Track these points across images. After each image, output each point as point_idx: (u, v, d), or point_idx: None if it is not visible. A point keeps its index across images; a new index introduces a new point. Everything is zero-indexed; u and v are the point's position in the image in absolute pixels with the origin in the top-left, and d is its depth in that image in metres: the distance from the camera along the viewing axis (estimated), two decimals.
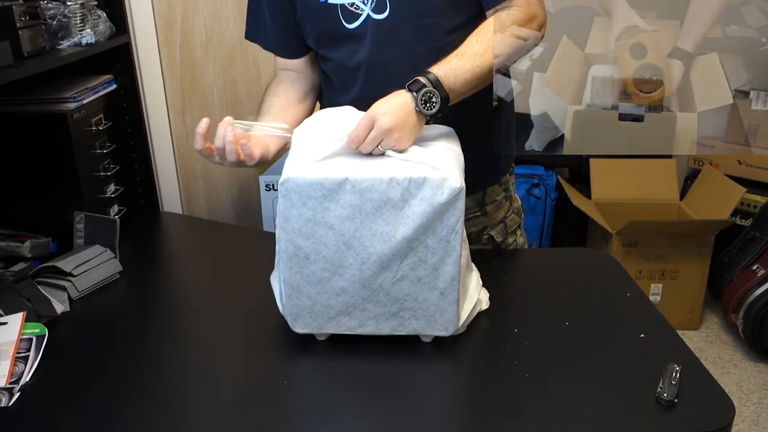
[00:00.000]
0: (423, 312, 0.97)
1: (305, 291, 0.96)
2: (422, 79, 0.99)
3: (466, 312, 1.01)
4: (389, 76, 1.12)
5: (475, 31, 1.07)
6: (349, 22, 1.13)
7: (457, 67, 1.02)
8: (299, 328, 0.99)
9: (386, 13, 1.10)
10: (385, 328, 0.98)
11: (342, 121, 1.02)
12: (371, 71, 1.15)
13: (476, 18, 1.13)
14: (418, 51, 1.13)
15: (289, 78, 1.28)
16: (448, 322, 0.97)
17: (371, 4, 1.10)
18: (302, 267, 0.95)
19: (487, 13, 1.12)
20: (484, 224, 1.32)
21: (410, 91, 0.98)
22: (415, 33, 1.12)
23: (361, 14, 1.11)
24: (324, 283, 0.95)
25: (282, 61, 1.28)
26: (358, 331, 0.99)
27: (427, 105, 0.98)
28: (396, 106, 0.96)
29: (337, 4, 1.12)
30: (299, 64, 1.27)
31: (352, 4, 1.11)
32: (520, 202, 1.41)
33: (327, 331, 1.00)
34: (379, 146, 0.95)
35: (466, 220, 0.98)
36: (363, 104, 1.07)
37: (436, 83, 0.99)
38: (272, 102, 1.24)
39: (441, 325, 0.98)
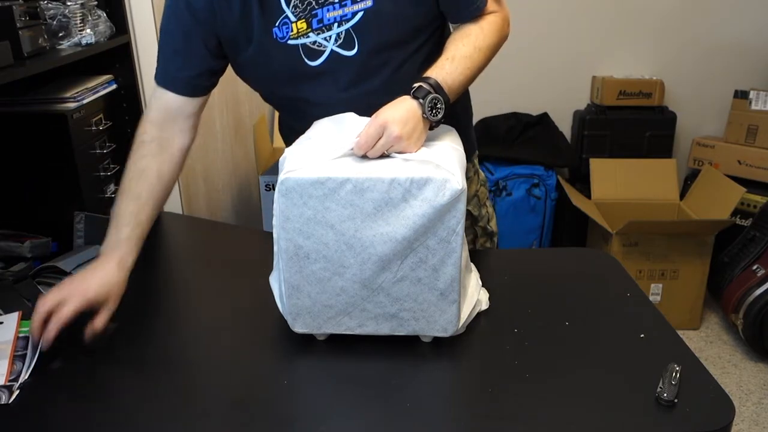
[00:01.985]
0: (423, 313, 0.97)
1: (305, 291, 0.96)
2: (425, 86, 0.99)
3: (465, 313, 1.01)
4: (359, 107, 1.08)
5: (457, 36, 1.08)
6: (312, 60, 1.09)
7: (452, 71, 1.02)
8: (299, 327, 0.99)
9: (354, 50, 1.08)
10: (385, 329, 0.98)
11: (343, 127, 1.02)
12: (338, 105, 1.10)
13: (432, 36, 1.14)
14: (389, 79, 1.11)
15: (161, 134, 1.15)
16: (448, 323, 0.97)
17: (335, 41, 1.08)
18: (302, 266, 0.95)
19: (453, 27, 1.13)
20: None
21: (416, 98, 0.98)
22: (386, 64, 1.10)
23: (324, 51, 1.08)
24: (324, 283, 0.95)
25: (169, 101, 1.14)
26: (358, 331, 0.99)
27: (434, 111, 0.99)
28: (405, 113, 0.96)
29: (297, 45, 1.08)
30: (197, 103, 1.18)
31: (314, 43, 1.08)
32: (484, 176, 1.42)
33: (327, 331, 1.00)
34: (386, 152, 0.95)
35: None
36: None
37: (438, 88, 0.99)
38: (126, 205, 1.09)
39: (441, 326, 0.98)
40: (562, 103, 2.84)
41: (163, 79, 1.14)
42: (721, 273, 2.47)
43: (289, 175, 0.91)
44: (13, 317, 1.06)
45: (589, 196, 2.70)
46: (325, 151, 0.95)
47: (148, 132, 1.14)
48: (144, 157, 1.12)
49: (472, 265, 1.11)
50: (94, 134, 1.46)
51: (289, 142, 1.25)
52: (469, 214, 1.33)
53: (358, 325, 0.98)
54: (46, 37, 1.28)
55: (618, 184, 2.69)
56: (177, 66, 1.12)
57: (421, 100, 0.98)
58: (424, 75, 1.01)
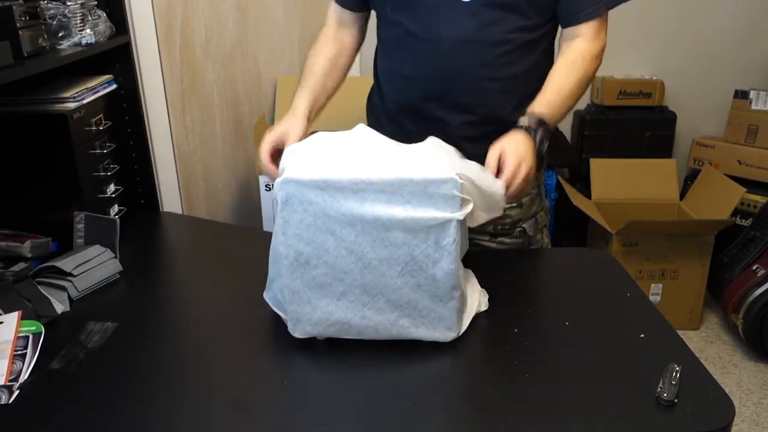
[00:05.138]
0: (422, 320, 0.97)
1: (305, 296, 0.96)
2: (533, 123, 1.12)
3: (466, 320, 1.01)
4: (453, 54, 1.20)
5: (563, 63, 1.20)
6: None
7: (558, 106, 1.16)
8: (299, 333, 0.99)
9: None
10: (384, 336, 0.98)
11: (346, 143, 1.02)
12: (438, 46, 1.21)
13: (545, 24, 1.23)
14: (488, 38, 1.19)
15: (335, 34, 1.36)
16: (448, 329, 0.98)
17: None
18: (303, 272, 0.95)
19: (565, 30, 1.23)
20: (519, 216, 1.34)
21: (530, 135, 1.10)
22: (492, 21, 1.18)
23: None
24: (325, 288, 0.95)
25: (338, 11, 1.36)
26: (357, 337, 0.99)
27: (540, 146, 1.13)
28: (529, 148, 1.09)
29: None
30: (360, 18, 1.37)
31: None
32: (547, 204, 1.45)
33: (327, 336, 1.00)
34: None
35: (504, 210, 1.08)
36: (417, 77, 1.22)
37: (546, 127, 1.13)
38: (316, 62, 1.33)
39: (441, 333, 0.98)
40: None
41: None
42: (721, 273, 2.47)
43: (289, 181, 0.91)
44: (13, 317, 1.06)
45: (589, 196, 2.69)
46: (327, 156, 0.95)
47: (326, 32, 1.37)
48: (322, 45, 1.36)
49: (469, 271, 1.11)
50: (94, 134, 1.46)
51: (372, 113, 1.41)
52: (524, 232, 1.36)
53: (358, 333, 0.98)
54: (46, 37, 1.28)
55: (618, 184, 2.69)
56: None
57: (532, 134, 1.11)
58: (536, 110, 1.13)
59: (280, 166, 0.98)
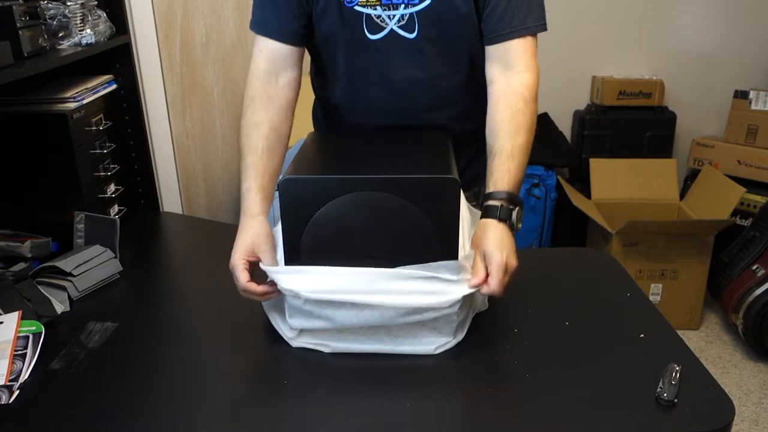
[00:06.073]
0: (423, 348, 0.99)
1: (306, 310, 0.97)
2: (506, 204, 1.00)
3: (466, 324, 1.02)
4: (402, 90, 1.15)
5: (506, 114, 1.07)
6: (372, 33, 1.12)
7: (516, 171, 1.03)
8: (297, 345, 1.00)
9: (414, 34, 1.11)
10: (385, 350, 1.00)
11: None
12: (385, 83, 1.16)
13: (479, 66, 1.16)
14: (438, 72, 1.15)
15: (267, 86, 1.16)
16: (443, 345, 1.00)
17: (398, 21, 1.11)
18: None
19: (491, 49, 1.12)
20: None
21: (502, 220, 1.00)
22: (438, 55, 1.14)
23: (385, 27, 1.12)
24: (325, 305, 0.96)
25: (271, 49, 1.17)
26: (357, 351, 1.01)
27: (516, 225, 1.02)
28: (510, 242, 0.99)
29: (362, 13, 1.11)
30: (298, 53, 1.17)
31: (378, 17, 1.11)
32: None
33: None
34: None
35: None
36: (369, 114, 1.16)
37: (516, 201, 1.02)
38: (255, 134, 1.11)
39: (438, 349, 1.00)
40: (562, 103, 2.84)
41: (262, 27, 1.16)
42: (721, 273, 2.47)
43: (290, 290, 0.94)
44: (13, 317, 1.06)
45: (589, 196, 2.69)
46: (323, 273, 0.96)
47: (255, 87, 1.15)
48: (256, 113, 1.12)
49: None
50: (94, 134, 1.46)
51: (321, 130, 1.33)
52: None
53: (360, 344, 0.99)
54: (46, 37, 1.28)
55: (618, 184, 2.69)
56: (275, 14, 1.15)
57: (508, 222, 1.00)
58: (498, 189, 1.02)
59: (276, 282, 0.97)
